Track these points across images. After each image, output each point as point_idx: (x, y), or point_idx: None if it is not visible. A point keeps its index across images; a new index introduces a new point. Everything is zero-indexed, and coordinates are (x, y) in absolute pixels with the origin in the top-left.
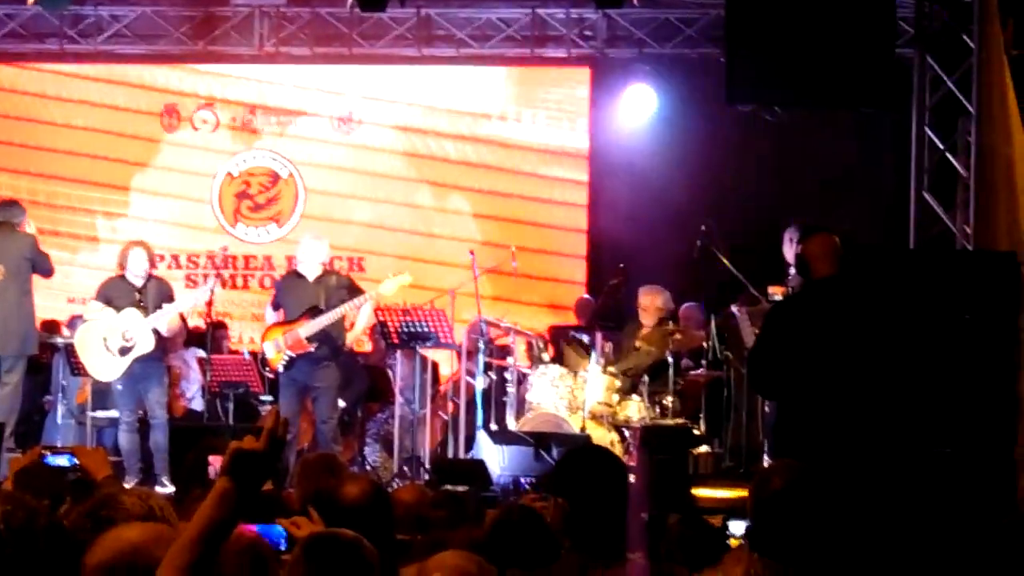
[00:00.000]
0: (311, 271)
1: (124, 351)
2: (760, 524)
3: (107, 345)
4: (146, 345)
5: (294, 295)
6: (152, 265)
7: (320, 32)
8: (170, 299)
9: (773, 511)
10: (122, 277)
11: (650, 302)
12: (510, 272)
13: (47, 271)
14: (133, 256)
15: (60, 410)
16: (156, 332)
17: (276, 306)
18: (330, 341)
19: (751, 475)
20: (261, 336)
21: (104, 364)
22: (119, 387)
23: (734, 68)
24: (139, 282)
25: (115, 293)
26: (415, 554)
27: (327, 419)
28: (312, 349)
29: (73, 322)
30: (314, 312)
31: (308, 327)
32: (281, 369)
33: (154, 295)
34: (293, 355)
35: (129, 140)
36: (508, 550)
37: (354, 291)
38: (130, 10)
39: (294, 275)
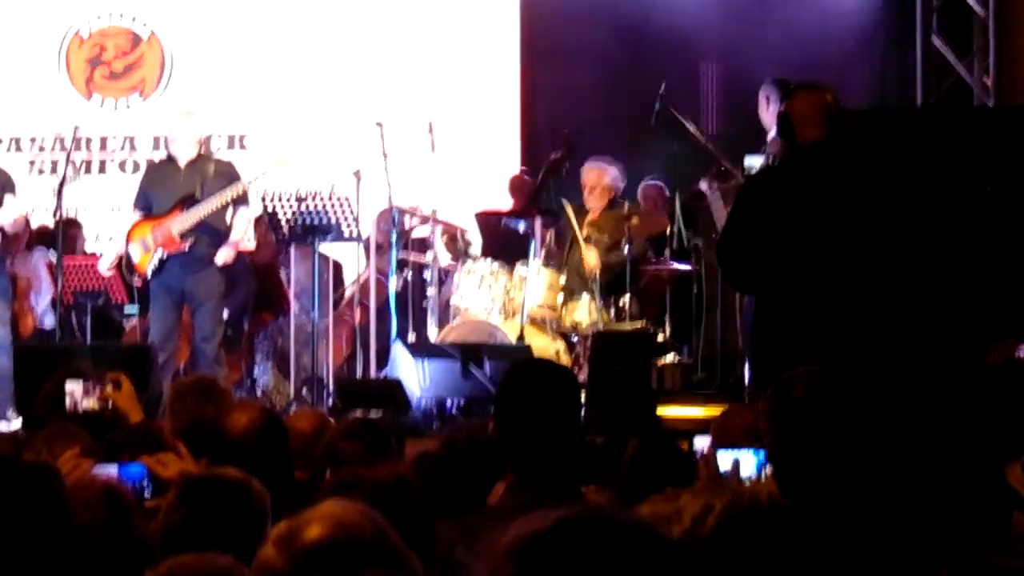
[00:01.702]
0: (183, 154)
1: None
2: (781, 444)
3: None
4: None
5: (164, 184)
6: None
7: None
8: (11, 190)
9: (796, 426)
10: None
11: (596, 179)
12: (427, 146)
13: None
14: None
15: None
16: None
17: (143, 199)
18: (209, 237)
19: (729, 389)
20: (126, 234)
21: None
22: None
23: None
24: None
25: None
26: (323, 498)
27: (209, 335)
28: (186, 247)
29: None
30: (188, 202)
31: (181, 220)
32: (150, 274)
33: None
34: (164, 256)
35: None
36: (444, 489)
37: (236, 177)
38: None
39: (164, 161)
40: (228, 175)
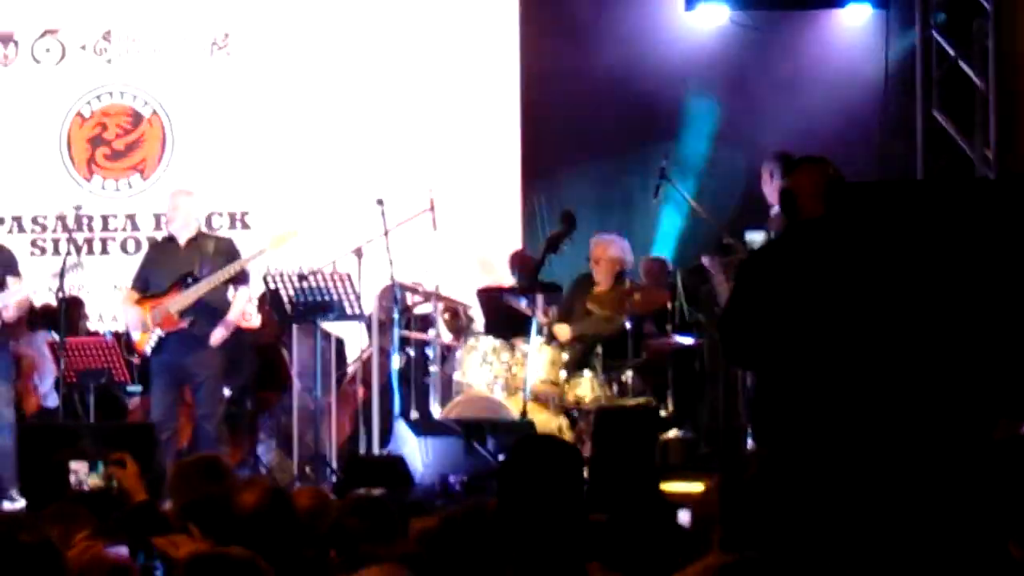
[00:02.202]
0: (182, 233)
1: None
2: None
3: None
4: None
5: (163, 264)
6: None
7: None
8: (14, 271)
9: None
10: None
11: (603, 253)
12: (428, 220)
13: None
14: None
15: None
16: None
17: (142, 279)
18: (208, 315)
19: (732, 464)
20: (122, 306)
21: None
22: None
23: None
24: None
25: None
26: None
27: (209, 413)
28: (185, 325)
29: None
30: (186, 281)
31: (179, 299)
32: (149, 352)
33: None
34: (163, 334)
35: None
36: (446, 567)
37: (236, 255)
38: None
39: (164, 241)
40: (228, 253)
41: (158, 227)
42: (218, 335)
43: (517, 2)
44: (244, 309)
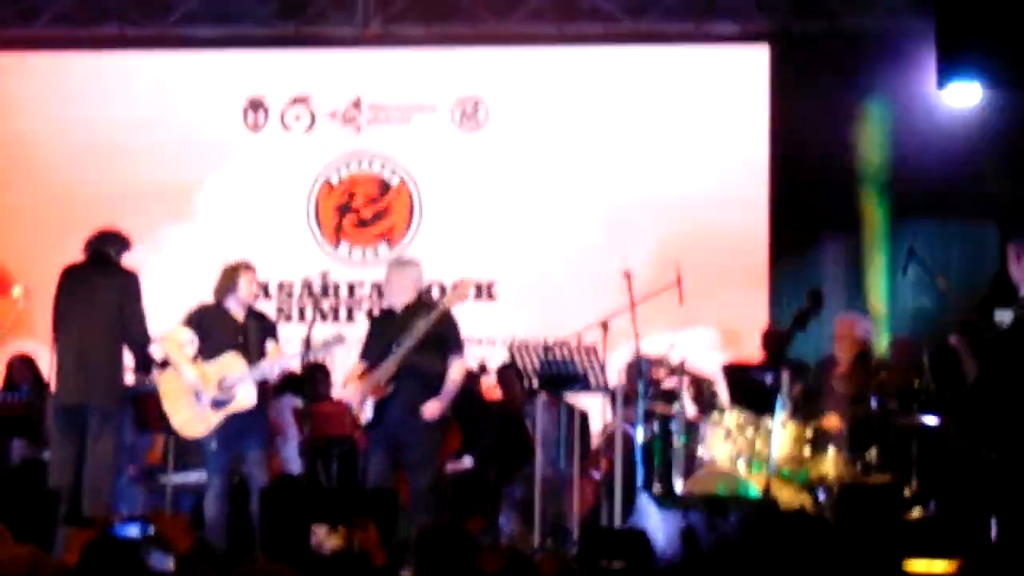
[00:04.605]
0: (399, 302)
1: (219, 404)
2: None
3: (198, 396)
4: (247, 398)
5: (381, 335)
6: (259, 296)
7: (436, 7)
8: (274, 337)
9: None
10: (219, 306)
11: (847, 330)
12: (675, 294)
13: (137, 341)
14: (242, 282)
15: (127, 472)
16: (259, 382)
17: (366, 350)
18: (419, 384)
19: (976, 544)
20: (342, 384)
21: (193, 418)
22: (212, 446)
23: (947, 43)
24: (241, 315)
25: (211, 325)
26: None
27: (420, 484)
28: (391, 391)
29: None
30: (392, 349)
31: (386, 367)
32: (365, 423)
33: (256, 335)
34: (374, 403)
35: (204, 142)
36: None
37: (443, 322)
38: None
39: (383, 312)
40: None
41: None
42: (432, 408)
43: (768, 81)
44: (458, 379)
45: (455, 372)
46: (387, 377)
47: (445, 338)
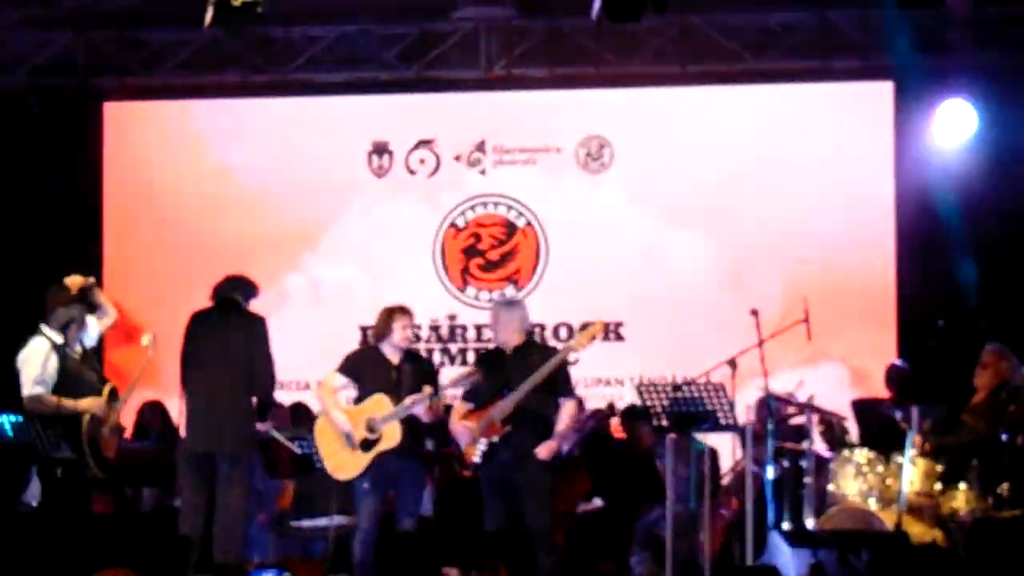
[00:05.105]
0: (508, 343)
1: (367, 445)
2: None
3: (349, 439)
4: (393, 438)
5: (489, 375)
6: (412, 339)
7: (559, 49)
8: (432, 380)
9: None
10: (375, 350)
11: (991, 360)
12: (802, 331)
13: (263, 387)
14: (396, 326)
15: (258, 519)
16: (408, 422)
17: (471, 393)
18: (532, 424)
19: None
20: (451, 424)
21: (346, 461)
22: (365, 486)
23: None
24: (396, 358)
25: (367, 368)
26: None
27: (539, 526)
28: (506, 431)
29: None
30: (507, 390)
31: (500, 407)
32: (477, 460)
33: (411, 377)
34: (486, 445)
35: (329, 187)
36: None
37: (560, 363)
38: (329, 30)
39: (491, 352)
40: (547, 361)
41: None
42: (546, 450)
43: (891, 117)
44: (571, 421)
45: (567, 414)
46: (503, 417)
47: (557, 380)
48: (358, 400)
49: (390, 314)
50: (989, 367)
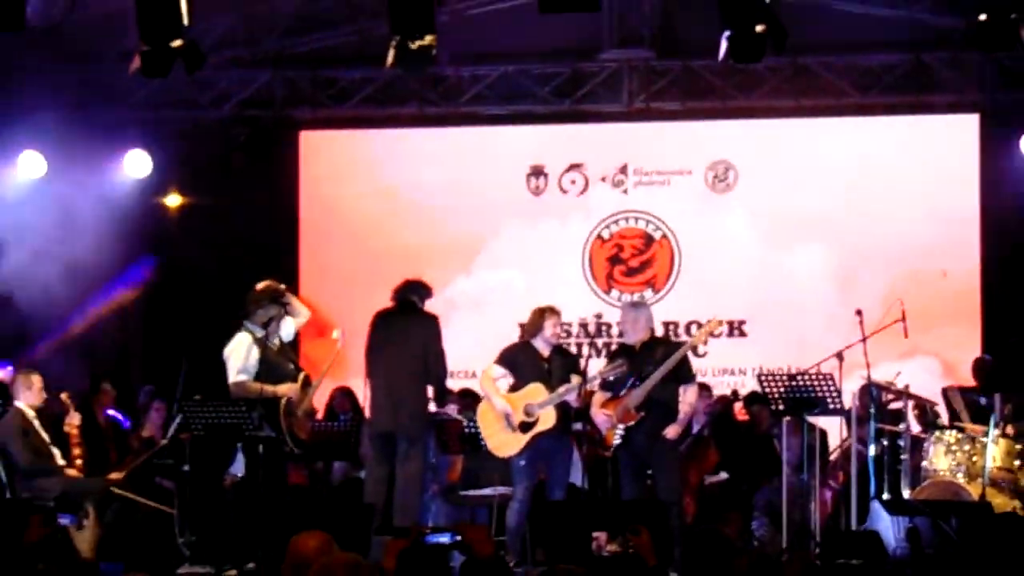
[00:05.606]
0: (636, 339)
1: (525, 427)
2: None
3: (508, 421)
4: (548, 420)
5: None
6: (562, 335)
7: (691, 85)
8: (577, 372)
9: None
10: (528, 344)
11: None
12: (900, 329)
13: (437, 376)
14: (548, 324)
15: (431, 489)
16: (561, 407)
17: (607, 384)
18: (661, 410)
19: None
20: (590, 411)
21: (506, 441)
22: (521, 463)
23: None
24: (546, 352)
25: (521, 361)
26: None
27: (671, 497)
28: (639, 418)
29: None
30: (636, 381)
31: (633, 397)
32: (617, 442)
33: (560, 369)
34: (623, 429)
35: (494, 204)
36: None
37: (681, 357)
38: (492, 69)
39: (623, 347)
40: (670, 354)
41: (666, 334)
42: (672, 431)
43: (977, 145)
44: (692, 405)
45: (689, 399)
46: (636, 405)
47: (680, 370)
48: (514, 388)
49: (542, 313)
50: None
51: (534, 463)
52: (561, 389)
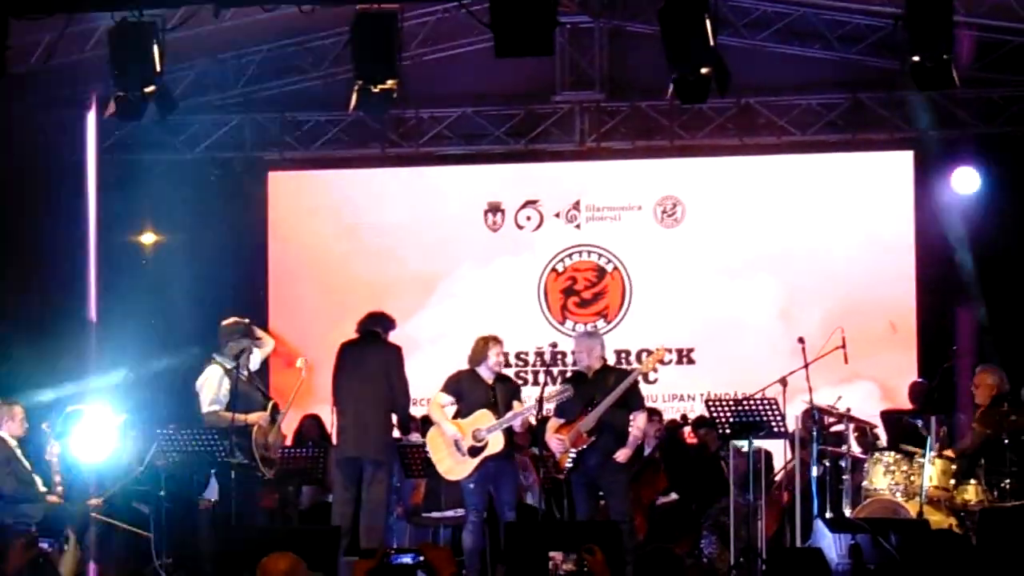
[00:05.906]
0: (589, 367)
1: (475, 451)
2: None
3: (458, 446)
4: (497, 445)
5: (577, 394)
6: (503, 363)
7: (640, 125)
8: (518, 399)
9: None
10: (473, 372)
11: (981, 380)
12: (840, 355)
13: (402, 406)
14: (491, 352)
15: (396, 511)
16: (507, 432)
17: (560, 409)
18: (611, 434)
19: None
20: (544, 437)
21: (455, 465)
22: (470, 486)
23: None
24: (490, 379)
25: (467, 388)
26: None
27: (621, 515)
28: (591, 441)
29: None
30: (588, 407)
31: (585, 422)
32: (569, 466)
33: (504, 395)
34: (575, 452)
35: (453, 240)
36: None
37: (630, 384)
38: (451, 111)
39: (576, 375)
40: (621, 382)
41: (618, 362)
42: (622, 454)
43: (912, 180)
44: (641, 429)
45: (639, 424)
46: (588, 429)
47: (630, 397)
48: (458, 414)
49: (486, 342)
50: (981, 386)
51: (483, 485)
52: (509, 415)
